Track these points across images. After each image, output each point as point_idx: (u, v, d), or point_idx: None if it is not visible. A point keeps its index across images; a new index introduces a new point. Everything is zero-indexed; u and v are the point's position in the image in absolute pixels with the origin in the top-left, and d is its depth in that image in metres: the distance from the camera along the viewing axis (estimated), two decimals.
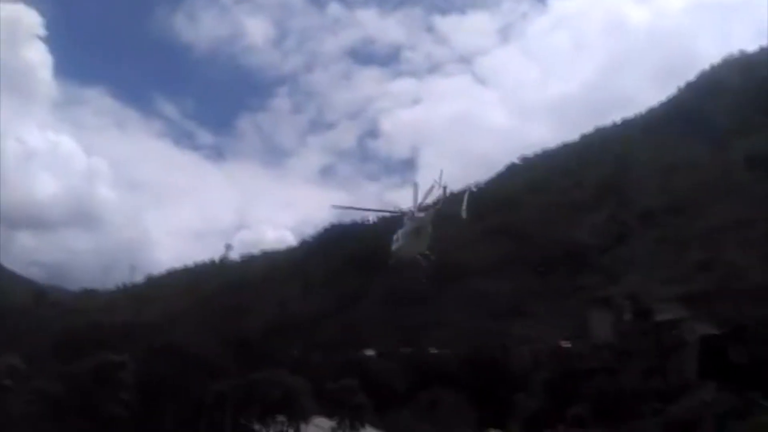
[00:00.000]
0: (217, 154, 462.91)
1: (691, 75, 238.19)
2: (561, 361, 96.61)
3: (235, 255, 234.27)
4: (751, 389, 68.30)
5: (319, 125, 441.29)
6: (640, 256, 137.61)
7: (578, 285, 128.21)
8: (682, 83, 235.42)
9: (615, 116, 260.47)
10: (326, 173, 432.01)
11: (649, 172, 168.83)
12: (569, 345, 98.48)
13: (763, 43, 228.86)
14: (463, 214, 30.12)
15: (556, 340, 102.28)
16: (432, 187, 30.52)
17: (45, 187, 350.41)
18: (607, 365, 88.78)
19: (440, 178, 29.84)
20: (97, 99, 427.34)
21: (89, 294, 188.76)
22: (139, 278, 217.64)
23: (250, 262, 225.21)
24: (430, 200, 30.57)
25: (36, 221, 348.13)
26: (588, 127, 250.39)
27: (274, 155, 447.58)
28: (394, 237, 33.84)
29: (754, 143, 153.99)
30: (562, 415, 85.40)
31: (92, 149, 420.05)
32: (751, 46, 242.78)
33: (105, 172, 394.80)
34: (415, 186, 31.98)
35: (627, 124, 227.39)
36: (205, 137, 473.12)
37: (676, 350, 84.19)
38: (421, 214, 31.24)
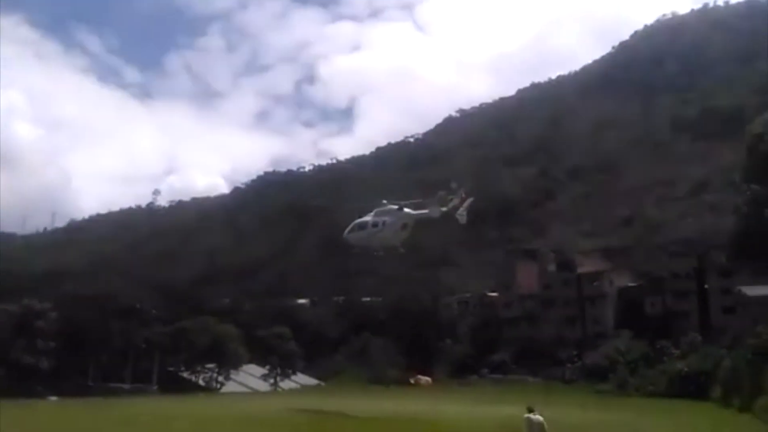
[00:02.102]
0: (145, 93, 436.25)
1: (625, 35, 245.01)
2: (487, 309, 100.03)
3: (163, 201, 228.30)
4: (662, 339, 73.01)
5: (253, 67, 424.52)
6: (566, 211, 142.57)
7: (506, 237, 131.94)
8: (616, 42, 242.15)
9: (551, 73, 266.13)
10: (261, 118, 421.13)
11: (579, 129, 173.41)
12: (495, 294, 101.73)
13: (696, 5, 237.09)
14: (462, 219, 30.68)
15: (483, 290, 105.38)
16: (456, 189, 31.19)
17: None
18: (530, 314, 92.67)
19: (462, 188, 31.28)
20: (14, 27, 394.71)
21: (6, 237, 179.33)
22: (60, 223, 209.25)
23: (179, 208, 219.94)
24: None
25: None
26: (525, 82, 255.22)
27: (205, 97, 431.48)
28: (354, 225, 33.12)
29: (679, 104, 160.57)
30: (486, 360, 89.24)
31: (8, 82, 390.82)
32: (683, 9, 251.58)
33: (22, 107, 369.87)
34: (440, 194, 31.84)
35: (561, 81, 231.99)
36: (132, 74, 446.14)
37: (595, 301, 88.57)
38: (410, 211, 31.34)
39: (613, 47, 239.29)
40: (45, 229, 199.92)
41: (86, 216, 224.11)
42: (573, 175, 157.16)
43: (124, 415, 37.99)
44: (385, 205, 32.51)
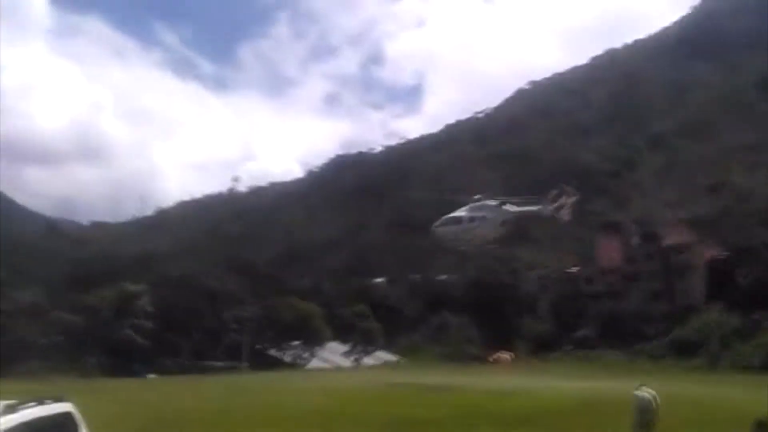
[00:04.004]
0: (219, 85, 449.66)
1: None
2: (567, 285, 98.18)
3: (242, 186, 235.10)
4: (756, 310, 69.54)
5: (321, 51, 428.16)
6: (648, 180, 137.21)
7: (586, 210, 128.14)
8: (696, 2, 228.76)
9: (626, 37, 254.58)
10: (330, 102, 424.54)
11: (658, 94, 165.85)
12: (576, 269, 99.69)
13: None
14: (565, 217, 30.52)
15: (563, 265, 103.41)
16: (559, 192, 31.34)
17: (48, 119, 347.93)
18: (614, 289, 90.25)
19: (567, 189, 31.41)
20: (94, 28, 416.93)
21: (100, 226, 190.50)
22: (148, 210, 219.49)
23: (258, 193, 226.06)
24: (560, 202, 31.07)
25: (41, 154, 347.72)
26: (598, 49, 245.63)
27: (276, 84, 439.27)
28: (445, 219, 32.51)
29: (766, 64, 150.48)
30: (569, 336, 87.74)
31: (93, 80, 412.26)
32: None
33: (107, 103, 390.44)
34: (552, 192, 31.79)
35: (638, 45, 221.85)
36: (206, 66, 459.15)
37: (683, 273, 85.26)
38: (513, 208, 31.11)
39: (693, 7, 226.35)
40: (134, 216, 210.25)
41: (172, 203, 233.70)
42: (654, 142, 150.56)
43: (228, 388, 39.96)
44: (479, 200, 31.98)
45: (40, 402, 5.27)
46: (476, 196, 32.59)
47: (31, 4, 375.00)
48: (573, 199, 30.88)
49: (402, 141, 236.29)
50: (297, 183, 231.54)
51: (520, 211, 31.26)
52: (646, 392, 15.95)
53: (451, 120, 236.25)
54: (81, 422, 6.03)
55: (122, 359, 76.12)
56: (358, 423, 21.71)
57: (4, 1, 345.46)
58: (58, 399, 5.75)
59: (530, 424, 21.79)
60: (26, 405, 4.95)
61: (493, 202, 31.58)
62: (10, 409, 4.69)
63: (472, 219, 32.02)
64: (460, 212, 32.67)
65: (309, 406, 26.23)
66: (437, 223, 33.56)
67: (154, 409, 26.49)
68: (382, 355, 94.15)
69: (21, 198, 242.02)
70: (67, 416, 5.80)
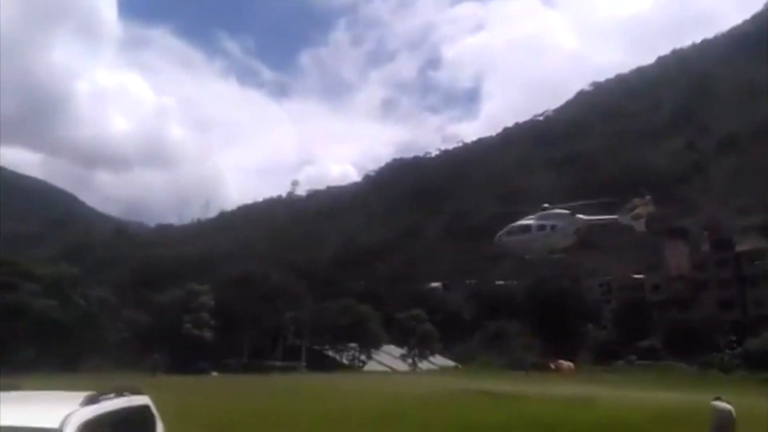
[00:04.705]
0: (280, 91, 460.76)
1: None
2: (632, 292, 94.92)
3: (301, 190, 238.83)
4: None
5: (379, 57, 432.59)
6: (718, 185, 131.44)
7: (652, 215, 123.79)
8: None
9: (694, 36, 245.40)
10: (387, 106, 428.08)
11: (728, 96, 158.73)
12: (641, 276, 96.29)
13: None
14: (638, 227, 29.76)
15: (628, 272, 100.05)
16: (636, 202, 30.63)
17: (117, 126, 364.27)
18: (682, 297, 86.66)
19: (646, 199, 30.59)
20: (161, 39, 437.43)
21: (165, 228, 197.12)
22: (211, 213, 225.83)
23: (316, 197, 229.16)
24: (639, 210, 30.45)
25: (111, 159, 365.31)
26: (664, 49, 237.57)
27: (335, 90, 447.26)
28: (511, 227, 31.49)
29: None
30: (634, 346, 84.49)
31: (160, 89, 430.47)
32: None
33: (174, 111, 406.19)
34: (634, 200, 31.11)
35: (707, 45, 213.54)
36: (267, 74, 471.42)
37: (756, 282, 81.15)
38: (583, 216, 30.30)
39: (765, 4, 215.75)
40: (198, 219, 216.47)
41: (234, 206, 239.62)
42: (725, 146, 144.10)
43: (294, 388, 40.20)
44: (548, 208, 30.84)
45: (119, 394, 5.34)
46: (544, 205, 31.39)
47: (102, 17, 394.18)
48: (651, 208, 29.58)
49: (459, 145, 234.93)
50: (354, 187, 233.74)
51: (594, 220, 30.01)
52: (724, 405, 14.97)
53: (510, 123, 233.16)
54: (157, 415, 6.11)
55: (186, 357, 78.20)
56: (429, 427, 21.54)
57: (78, 14, 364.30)
58: (136, 392, 5.81)
59: None
60: (107, 396, 5.02)
61: (564, 211, 30.31)
62: (92, 400, 4.76)
63: (542, 227, 30.72)
64: (528, 221, 31.47)
65: (377, 410, 26.01)
66: (502, 232, 32.39)
67: (224, 407, 26.88)
68: (438, 360, 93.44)
69: (91, 200, 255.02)
70: (145, 409, 5.88)
